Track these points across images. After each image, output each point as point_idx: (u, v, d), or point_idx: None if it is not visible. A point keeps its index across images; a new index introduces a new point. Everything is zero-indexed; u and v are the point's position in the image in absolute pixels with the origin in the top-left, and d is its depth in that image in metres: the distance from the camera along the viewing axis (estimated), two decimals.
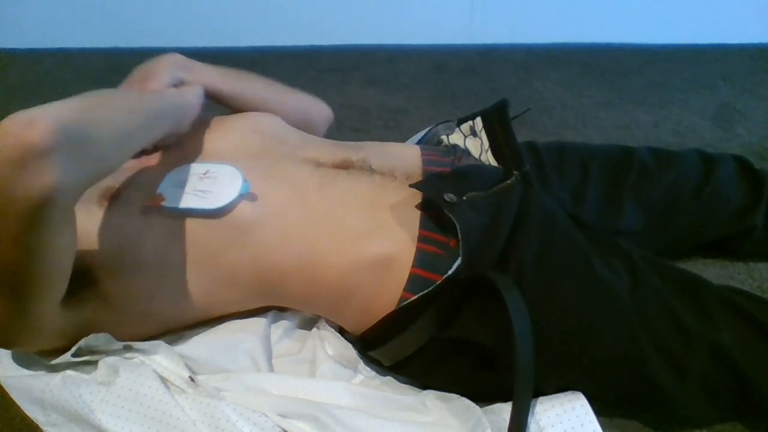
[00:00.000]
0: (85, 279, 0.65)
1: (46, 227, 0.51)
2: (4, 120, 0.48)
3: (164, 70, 0.78)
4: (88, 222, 0.67)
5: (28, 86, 1.65)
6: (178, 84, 0.80)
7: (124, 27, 1.81)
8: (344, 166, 0.77)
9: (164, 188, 0.70)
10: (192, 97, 0.78)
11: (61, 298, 0.61)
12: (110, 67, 1.69)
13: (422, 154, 0.83)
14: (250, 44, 1.82)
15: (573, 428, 0.64)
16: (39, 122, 0.47)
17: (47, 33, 1.82)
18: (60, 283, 0.59)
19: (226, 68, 0.87)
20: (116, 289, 0.67)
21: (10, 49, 1.82)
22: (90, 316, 0.67)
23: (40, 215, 0.49)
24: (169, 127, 0.72)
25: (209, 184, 0.70)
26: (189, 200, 0.68)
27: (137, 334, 0.71)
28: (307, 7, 1.80)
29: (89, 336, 0.66)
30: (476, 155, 0.88)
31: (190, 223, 0.68)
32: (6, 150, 0.46)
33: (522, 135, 0.88)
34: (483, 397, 0.69)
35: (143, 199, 0.69)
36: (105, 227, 0.67)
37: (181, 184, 0.70)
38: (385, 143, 0.88)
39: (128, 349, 0.70)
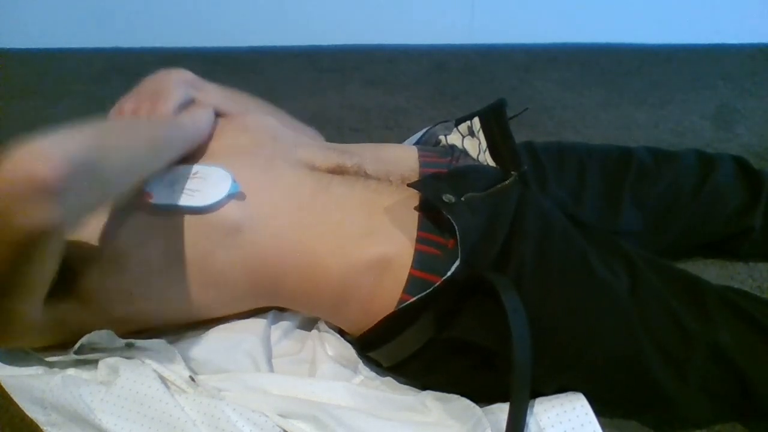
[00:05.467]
0: (67, 278, 0.65)
1: (40, 254, 0.51)
2: (16, 149, 0.47)
3: (176, 89, 0.77)
4: None
5: (28, 86, 1.65)
6: (188, 102, 0.78)
7: (124, 27, 1.81)
8: (339, 171, 0.77)
9: (152, 187, 0.69)
10: (204, 125, 0.77)
11: (44, 298, 0.61)
12: (110, 67, 1.69)
13: (419, 156, 0.83)
14: (250, 44, 1.82)
15: (573, 428, 0.64)
16: (50, 158, 0.46)
17: (47, 33, 1.82)
18: (44, 288, 0.59)
19: (231, 90, 0.87)
20: (98, 288, 0.67)
21: (10, 49, 1.82)
22: (73, 314, 0.66)
23: (36, 245, 0.50)
24: (177, 155, 0.72)
25: (198, 183, 0.69)
26: (177, 198, 0.68)
27: (126, 334, 0.70)
28: (307, 7, 1.80)
29: (92, 333, 0.66)
30: (474, 155, 0.88)
31: (177, 222, 0.68)
32: (14, 181, 0.46)
33: (522, 135, 0.88)
34: (483, 397, 0.69)
35: (130, 198, 0.68)
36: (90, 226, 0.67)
37: (170, 184, 0.69)
38: (382, 145, 0.88)
39: (130, 347, 0.70)
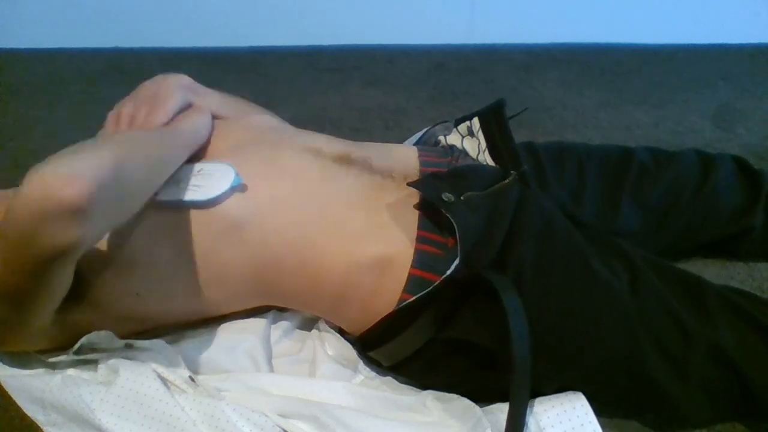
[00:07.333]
0: (76, 282, 0.64)
1: (60, 269, 0.54)
2: (45, 169, 0.49)
3: (174, 94, 0.77)
4: None
5: (28, 86, 1.65)
6: (186, 107, 0.78)
7: (124, 27, 1.81)
8: (345, 161, 0.76)
9: None
10: (204, 130, 0.77)
11: (56, 308, 0.62)
12: (110, 67, 1.69)
13: (420, 155, 0.83)
14: (250, 44, 1.82)
15: (573, 428, 0.64)
16: (79, 181, 0.48)
17: (47, 33, 1.82)
18: (58, 300, 0.61)
19: (229, 95, 0.87)
20: (103, 289, 0.67)
21: (10, 49, 1.82)
22: (79, 317, 0.67)
23: (57, 262, 0.52)
24: (181, 162, 0.72)
25: (202, 179, 0.70)
26: (181, 194, 0.69)
27: (128, 334, 0.71)
28: (307, 7, 1.80)
29: (91, 333, 0.67)
30: (473, 155, 0.88)
31: (181, 219, 0.68)
32: (42, 202, 0.48)
33: (522, 135, 0.87)
34: (483, 397, 0.69)
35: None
36: None
37: (175, 181, 0.70)
38: (384, 144, 0.88)
39: (129, 347, 0.70)
